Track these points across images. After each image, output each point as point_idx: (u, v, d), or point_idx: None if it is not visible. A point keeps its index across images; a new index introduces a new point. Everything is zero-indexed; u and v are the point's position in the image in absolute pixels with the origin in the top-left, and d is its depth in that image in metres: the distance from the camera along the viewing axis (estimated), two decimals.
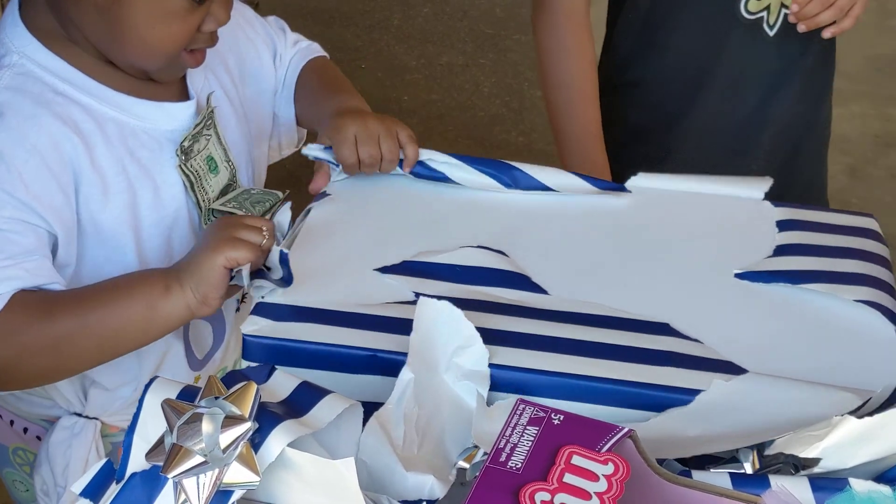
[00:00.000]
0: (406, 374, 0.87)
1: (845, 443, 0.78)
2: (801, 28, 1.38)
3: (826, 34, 1.40)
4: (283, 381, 0.80)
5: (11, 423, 1.23)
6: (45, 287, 1.02)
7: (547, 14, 1.46)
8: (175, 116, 1.13)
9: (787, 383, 0.91)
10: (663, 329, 0.99)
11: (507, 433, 0.78)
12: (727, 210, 1.19)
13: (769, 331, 1.01)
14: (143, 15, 1.03)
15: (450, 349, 0.90)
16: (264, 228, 0.99)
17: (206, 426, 0.71)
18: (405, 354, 0.88)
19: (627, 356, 0.94)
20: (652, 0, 1.47)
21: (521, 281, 1.04)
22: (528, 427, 0.78)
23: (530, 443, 0.77)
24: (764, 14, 1.43)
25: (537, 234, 1.12)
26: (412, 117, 3.23)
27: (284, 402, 0.78)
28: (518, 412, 0.79)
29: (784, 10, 1.43)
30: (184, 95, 1.16)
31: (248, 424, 0.72)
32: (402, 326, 0.91)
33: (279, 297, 0.98)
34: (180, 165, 1.12)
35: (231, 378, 0.78)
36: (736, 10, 1.43)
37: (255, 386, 0.74)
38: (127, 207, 1.10)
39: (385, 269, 1.03)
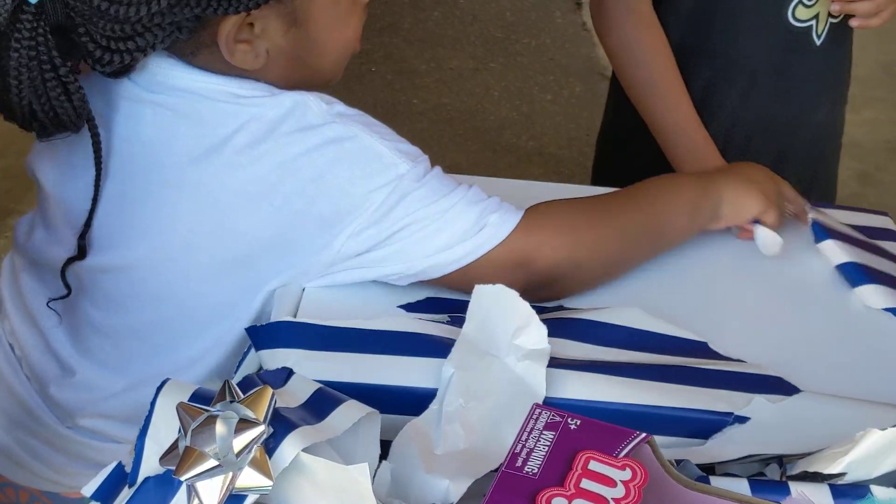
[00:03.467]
0: (447, 370, 0.85)
1: (869, 456, 0.77)
2: (835, 8, 1.40)
3: (853, 23, 1.42)
4: (301, 386, 0.79)
5: None
6: None
7: (610, 13, 1.45)
8: None
9: (839, 401, 0.90)
10: (702, 350, 0.97)
11: (524, 438, 0.77)
12: None
13: (815, 345, 1.00)
14: (332, 27, 1.01)
15: (510, 331, 0.88)
16: (790, 210, 1.13)
17: (221, 429, 0.71)
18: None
19: (671, 378, 0.92)
20: (697, 7, 1.47)
21: (552, 308, 1.01)
22: (544, 432, 0.77)
23: (547, 448, 0.76)
24: (812, 23, 1.45)
25: None
26: (422, 121, 3.23)
27: (301, 408, 0.77)
28: (534, 416, 0.78)
29: (831, 20, 1.45)
30: None
31: (261, 428, 0.71)
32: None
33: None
34: None
35: (247, 383, 0.77)
36: (785, 19, 1.44)
37: (270, 390, 0.73)
38: None
39: (410, 307, 1.00)
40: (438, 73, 3.50)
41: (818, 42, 1.46)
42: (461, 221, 0.97)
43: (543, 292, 1.01)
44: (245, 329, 0.94)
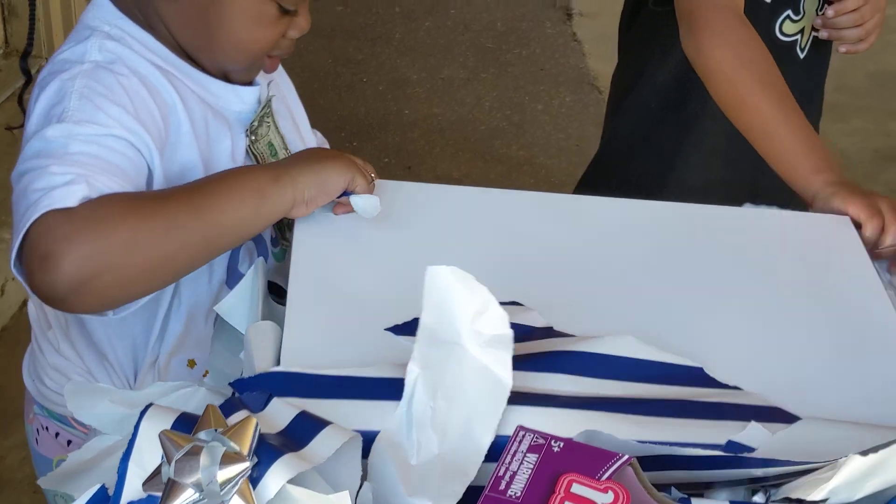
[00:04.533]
0: (412, 370, 0.83)
1: (852, 480, 0.77)
2: (823, 35, 1.42)
3: (842, 49, 1.44)
4: (282, 410, 0.79)
5: (56, 434, 1.24)
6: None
7: (700, 30, 1.34)
8: (244, 99, 1.18)
9: (842, 427, 0.88)
10: (698, 377, 0.94)
11: (507, 460, 0.77)
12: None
13: (806, 365, 0.97)
14: (239, 16, 1.10)
15: (469, 315, 0.85)
16: (372, 174, 1.10)
17: (205, 460, 0.71)
18: None
19: (669, 412, 0.89)
20: None
21: (544, 333, 0.97)
22: (527, 454, 0.77)
23: (530, 470, 0.76)
24: (798, 37, 1.46)
25: (555, 261, 1.08)
26: (413, 131, 3.23)
27: (283, 433, 0.77)
28: (518, 439, 0.79)
29: (813, 33, 1.46)
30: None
31: (246, 464, 0.71)
32: None
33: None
34: (249, 147, 1.18)
35: (228, 406, 0.78)
36: (772, 33, 1.44)
37: (254, 421, 0.73)
38: (197, 162, 1.13)
39: (398, 329, 0.95)
40: (430, 82, 3.51)
41: (802, 55, 1.47)
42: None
43: (76, 297, 0.96)
44: (229, 384, 0.89)
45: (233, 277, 1.17)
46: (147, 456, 0.74)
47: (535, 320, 0.98)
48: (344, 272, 1.03)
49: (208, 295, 1.17)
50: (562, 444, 0.78)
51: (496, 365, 0.85)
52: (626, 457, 0.77)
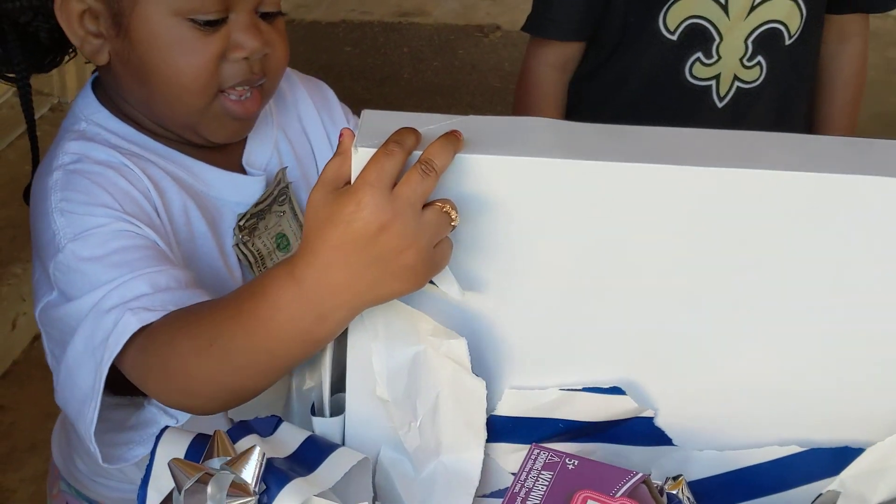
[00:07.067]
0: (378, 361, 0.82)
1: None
2: None
3: None
4: (291, 434, 0.80)
5: None
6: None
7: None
8: (243, 189, 1.07)
9: None
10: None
11: (522, 478, 0.78)
12: None
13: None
14: (155, 50, 0.98)
15: (422, 333, 0.83)
16: (452, 223, 0.80)
17: (213, 490, 0.72)
18: None
19: None
20: (607, 57, 1.48)
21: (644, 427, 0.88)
22: (542, 472, 0.78)
23: (545, 488, 0.77)
24: (712, 83, 1.44)
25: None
26: None
27: (292, 457, 0.77)
28: (533, 457, 0.80)
29: (738, 84, 1.43)
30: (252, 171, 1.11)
31: (252, 499, 0.72)
32: None
33: None
34: (237, 245, 1.06)
35: (238, 429, 0.78)
36: (681, 74, 1.43)
37: (259, 450, 0.73)
38: (185, 263, 1.02)
39: None
40: None
41: (720, 104, 1.44)
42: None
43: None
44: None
45: None
46: (165, 480, 0.75)
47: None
48: None
49: None
50: (576, 462, 0.79)
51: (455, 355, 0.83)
52: (641, 474, 0.78)
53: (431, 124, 0.80)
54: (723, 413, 0.86)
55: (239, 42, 0.99)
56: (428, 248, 0.77)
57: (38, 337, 2.41)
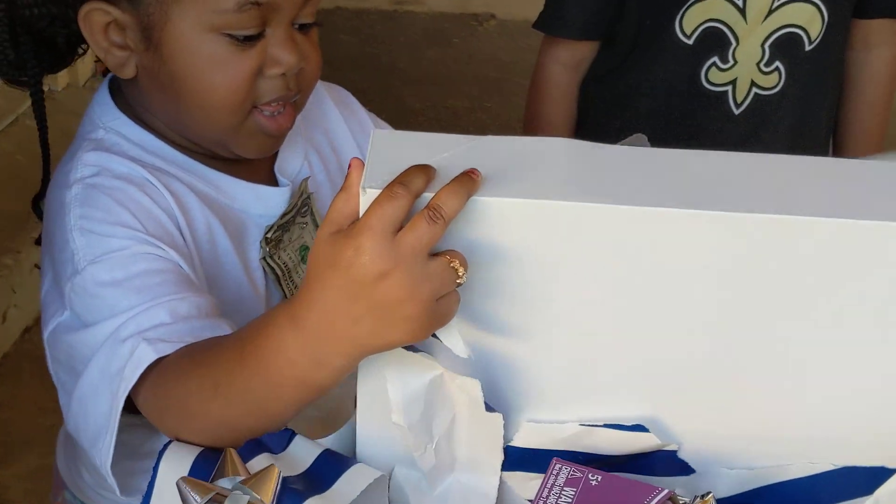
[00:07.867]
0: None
1: None
2: None
3: None
4: (305, 449, 0.77)
5: None
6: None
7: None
8: (267, 201, 1.04)
9: None
10: None
11: (544, 494, 0.76)
12: None
13: None
14: (190, 66, 0.95)
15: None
16: (458, 280, 0.75)
17: None
18: None
19: None
20: (622, 60, 1.45)
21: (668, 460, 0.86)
22: (565, 488, 0.76)
23: None
24: (728, 89, 1.41)
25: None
26: None
27: (306, 474, 0.75)
28: (554, 472, 0.77)
29: (755, 90, 1.41)
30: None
31: None
32: None
33: None
34: (264, 258, 1.03)
35: (249, 448, 0.75)
36: (697, 79, 1.40)
37: (276, 470, 0.71)
38: (208, 283, 0.99)
39: None
40: (434, 112, 3.50)
41: (737, 111, 1.42)
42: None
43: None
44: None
45: None
46: (168, 497, 0.72)
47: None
48: None
49: None
50: (600, 478, 0.77)
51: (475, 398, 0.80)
52: (666, 490, 0.76)
53: (445, 147, 0.76)
54: (749, 448, 0.84)
55: (277, 57, 0.96)
56: (430, 300, 0.73)
57: (29, 329, 2.38)
